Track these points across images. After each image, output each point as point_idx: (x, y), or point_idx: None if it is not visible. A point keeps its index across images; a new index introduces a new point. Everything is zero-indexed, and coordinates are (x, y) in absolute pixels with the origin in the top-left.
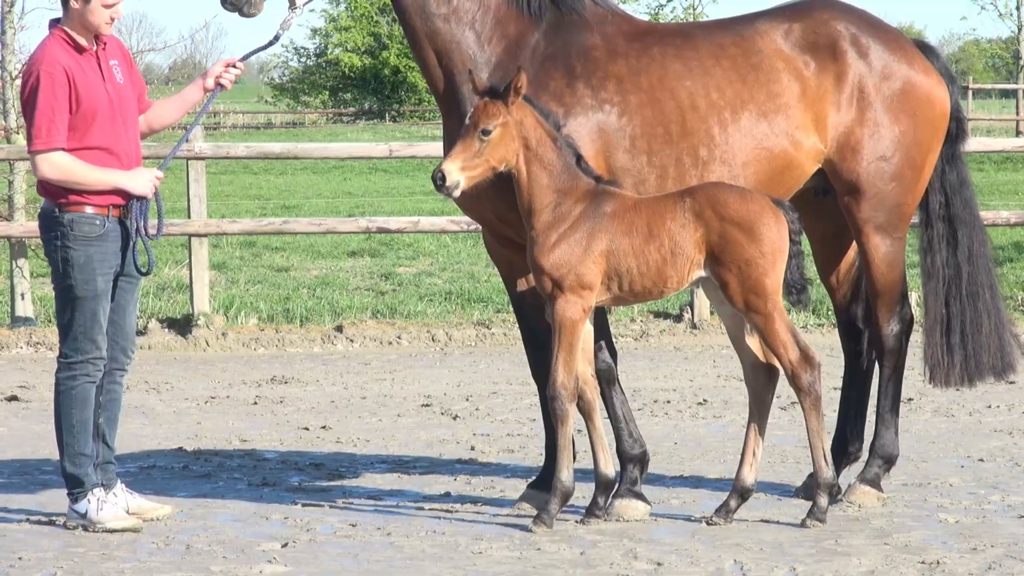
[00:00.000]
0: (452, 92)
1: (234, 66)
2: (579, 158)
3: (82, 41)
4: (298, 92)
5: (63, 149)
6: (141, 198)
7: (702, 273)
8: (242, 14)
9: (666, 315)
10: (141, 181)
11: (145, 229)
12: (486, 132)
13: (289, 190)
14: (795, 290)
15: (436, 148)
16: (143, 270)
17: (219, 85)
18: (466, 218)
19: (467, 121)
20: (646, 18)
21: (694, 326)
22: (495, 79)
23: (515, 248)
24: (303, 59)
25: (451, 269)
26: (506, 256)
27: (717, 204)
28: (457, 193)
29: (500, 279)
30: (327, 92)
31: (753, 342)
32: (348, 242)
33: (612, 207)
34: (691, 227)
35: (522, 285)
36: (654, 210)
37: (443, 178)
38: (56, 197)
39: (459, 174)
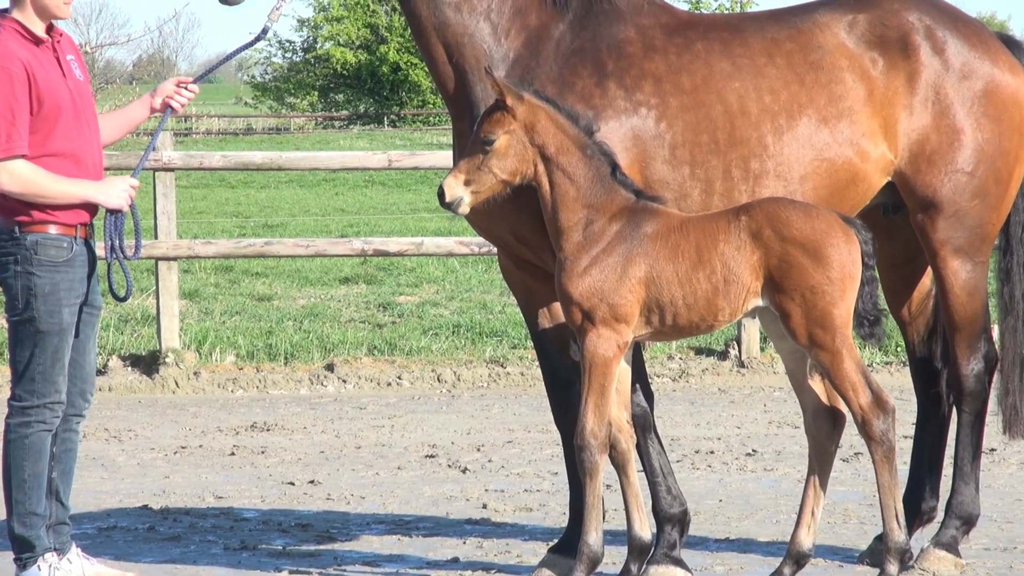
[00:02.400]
0: (463, 93)
1: (187, 88)
2: (615, 168)
3: (38, 31)
4: (283, 93)
5: (24, 157)
6: (115, 212)
7: (759, 303)
8: (224, 2)
9: (709, 351)
10: (115, 192)
11: (122, 248)
12: (487, 142)
13: (272, 206)
14: (867, 322)
15: (443, 158)
16: (120, 296)
17: (168, 107)
18: (478, 239)
19: (474, 130)
20: (688, 8)
21: (742, 364)
22: (513, 77)
23: (535, 273)
24: (288, 54)
25: (460, 298)
26: (525, 282)
27: (778, 223)
28: (463, 210)
29: (517, 309)
30: (316, 93)
31: (816, 383)
32: (340, 267)
33: (654, 227)
34: (747, 250)
35: (544, 317)
36: (704, 230)
37: (442, 193)
38: (15, 214)
39: (462, 189)
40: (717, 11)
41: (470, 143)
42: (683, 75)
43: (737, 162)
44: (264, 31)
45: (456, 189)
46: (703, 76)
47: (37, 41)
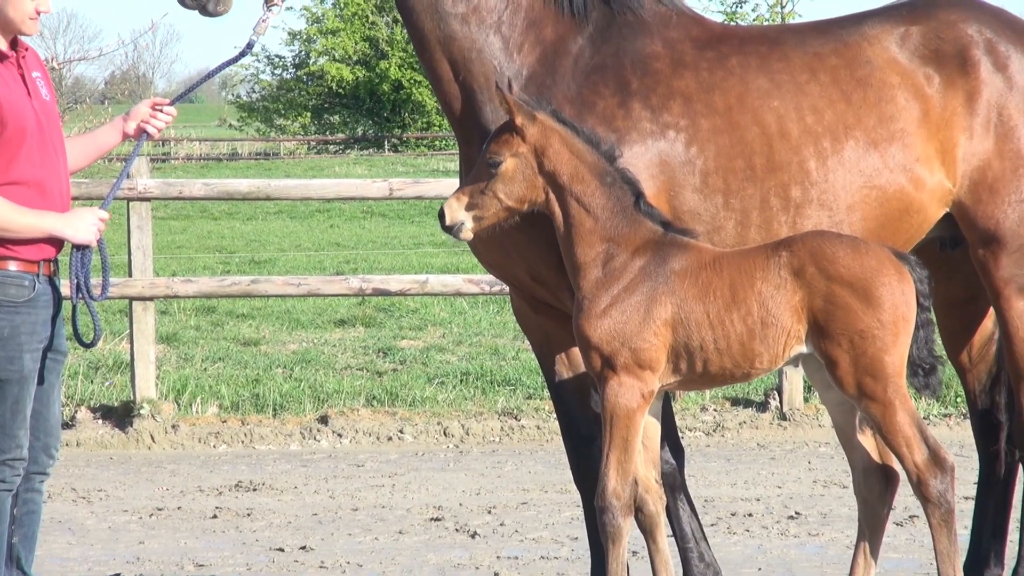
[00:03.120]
0: (472, 114)
1: (164, 110)
2: (639, 197)
3: (0, 46)
4: (271, 114)
5: None
6: (83, 248)
7: (802, 349)
8: (205, 13)
9: (747, 402)
10: (83, 225)
11: (88, 288)
12: (493, 164)
13: (260, 240)
14: (923, 371)
15: (449, 186)
16: (87, 341)
17: (143, 132)
18: (488, 277)
19: (481, 152)
20: (721, 19)
21: (783, 417)
22: (528, 96)
23: (552, 315)
24: (278, 71)
25: (469, 343)
26: (541, 326)
27: (823, 258)
28: (465, 236)
29: (533, 356)
30: (309, 114)
31: (867, 438)
32: (335, 308)
33: (683, 262)
34: (788, 289)
35: (562, 364)
36: (739, 267)
37: (442, 216)
38: None
39: (463, 213)
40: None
41: (477, 165)
42: (716, 94)
43: (776, 190)
44: (250, 45)
45: (457, 212)
46: (738, 94)
47: (1, 56)
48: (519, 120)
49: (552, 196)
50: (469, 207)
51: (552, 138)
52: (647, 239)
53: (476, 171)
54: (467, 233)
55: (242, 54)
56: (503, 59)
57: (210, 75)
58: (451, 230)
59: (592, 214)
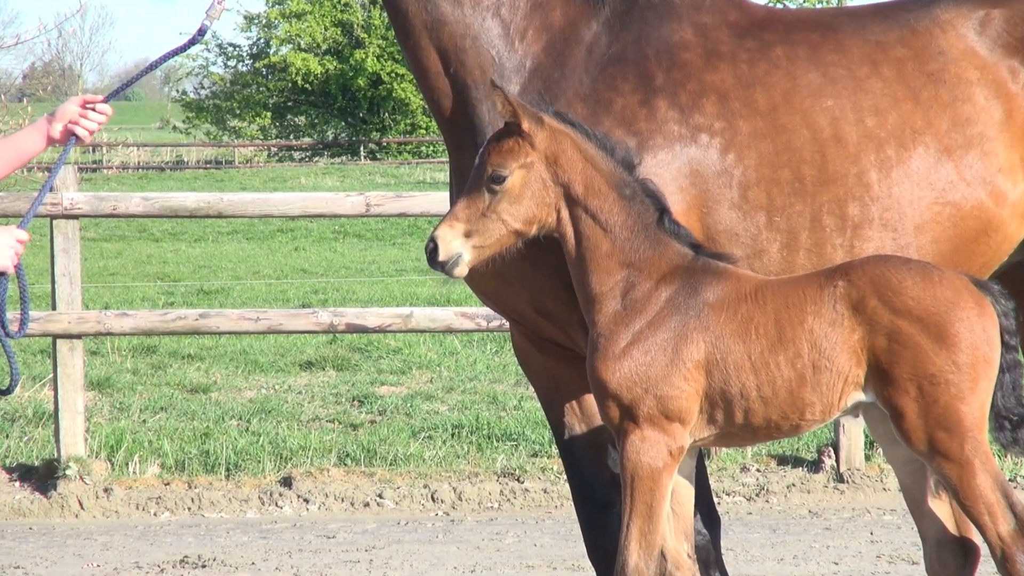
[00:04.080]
0: (465, 114)
1: (96, 109)
2: (663, 214)
3: None
4: (224, 113)
5: None
6: None
7: (862, 398)
8: None
9: (796, 461)
10: None
11: (3, 324)
12: (497, 179)
13: (210, 266)
14: (1009, 423)
15: (438, 201)
16: (2, 388)
17: (72, 135)
18: (484, 310)
19: (477, 162)
20: (764, 1)
21: (840, 479)
22: (531, 93)
23: (561, 356)
24: (232, 62)
25: (462, 389)
26: (548, 369)
27: (887, 289)
28: (460, 272)
29: (538, 404)
30: (269, 114)
31: (941, 505)
32: (301, 346)
33: (718, 292)
34: (845, 326)
35: (573, 414)
36: (786, 299)
37: (435, 250)
38: None
39: (460, 243)
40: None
41: (471, 180)
42: (757, 90)
43: (830, 207)
44: (201, 32)
45: (453, 243)
46: (784, 92)
47: None
48: (526, 124)
49: (564, 214)
50: (467, 235)
51: (564, 143)
52: (675, 264)
53: (472, 188)
54: (463, 269)
55: (191, 42)
56: (502, 48)
57: (152, 67)
58: (444, 266)
59: (610, 234)
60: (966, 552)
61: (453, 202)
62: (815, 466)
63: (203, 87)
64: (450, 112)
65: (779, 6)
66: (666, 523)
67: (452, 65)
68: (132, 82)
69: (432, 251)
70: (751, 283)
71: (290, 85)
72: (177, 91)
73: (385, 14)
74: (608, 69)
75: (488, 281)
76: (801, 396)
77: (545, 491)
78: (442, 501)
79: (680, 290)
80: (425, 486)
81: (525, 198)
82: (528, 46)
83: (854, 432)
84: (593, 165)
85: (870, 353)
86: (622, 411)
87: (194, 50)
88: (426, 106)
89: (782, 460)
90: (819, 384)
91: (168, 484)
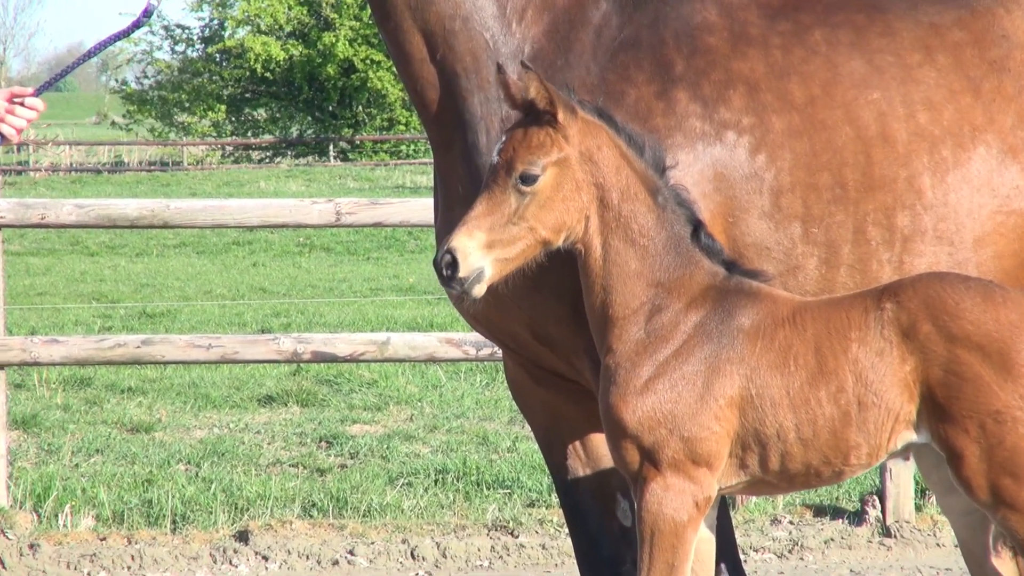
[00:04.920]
0: (453, 107)
1: (23, 103)
2: (697, 227)
3: None
4: (171, 107)
5: None
6: None
7: (914, 438)
8: None
9: (836, 511)
10: None
11: None
12: (528, 178)
13: (154, 284)
14: None
15: (420, 209)
16: None
17: None
18: (473, 335)
19: (495, 159)
20: None
21: (886, 532)
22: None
23: (563, 389)
24: (180, 47)
25: (447, 428)
26: (547, 404)
27: (942, 312)
28: (480, 291)
29: (535, 446)
30: (223, 107)
31: (1004, 563)
32: (261, 378)
33: (753, 317)
34: (895, 355)
35: (576, 458)
36: (827, 324)
37: (452, 264)
38: None
39: (482, 256)
40: None
41: (491, 180)
42: (792, 81)
43: (876, 217)
44: (147, 12)
45: (474, 255)
46: (823, 83)
47: None
48: (561, 113)
49: (593, 222)
50: (490, 245)
51: (601, 138)
52: (706, 285)
53: (493, 189)
54: (483, 287)
55: (136, 24)
56: (498, 30)
57: (90, 55)
58: (464, 284)
59: (640, 249)
60: None
61: (445, 207)
62: (857, 518)
63: (146, 76)
64: (436, 105)
65: None
66: None
67: (439, 50)
68: (66, 72)
69: (450, 265)
70: (788, 305)
71: (248, 74)
72: (116, 81)
73: None
74: (620, 56)
75: (480, 303)
76: (845, 437)
77: (543, 547)
78: (423, 559)
79: (712, 314)
80: (404, 541)
81: (556, 201)
82: (527, 28)
83: (903, 478)
84: (629, 165)
85: (924, 386)
86: (642, 454)
87: (136, 33)
88: (407, 98)
89: (819, 511)
90: (865, 423)
91: (104, 539)
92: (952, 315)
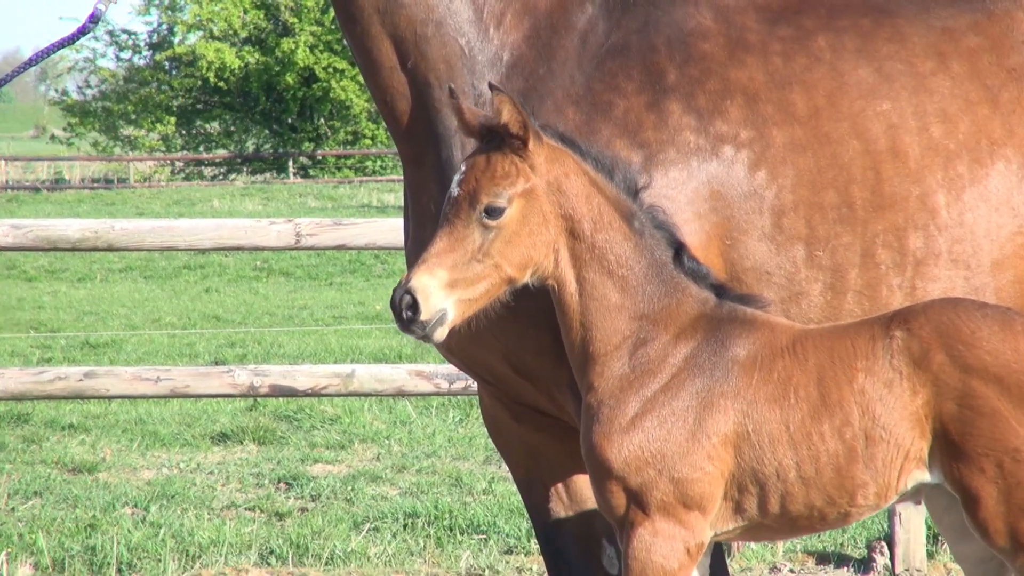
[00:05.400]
0: (425, 119)
1: None
2: (679, 250)
3: None
4: (116, 119)
5: None
6: None
7: (925, 478)
8: None
9: (841, 559)
10: None
11: None
12: (493, 212)
13: (97, 312)
14: None
15: (389, 230)
16: None
17: None
18: (447, 368)
19: (453, 191)
20: None
21: None
22: (512, 92)
23: (543, 426)
24: (126, 54)
25: (417, 468)
26: (526, 442)
27: (956, 340)
28: (441, 335)
29: (513, 487)
30: (173, 120)
31: None
32: (215, 414)
33: (749, 346)
34: (905, 387)
35: (558, 500)
36: (831, 353)
37: (413, 306)
38: None
39: (444, 296)
40: None
41: (450, 213)
42: (795, 91)
43: (886, 238)
44: (94, 18)
45: (435, 296)
46: (828, 92)
47: None
48: (533, 142)
49: (563, 256)
50: (452, 285)
51: (567, 164)
52: (695, 313)
53: (453, 223)
54: (445, 331)
55: (81, 31)
56: (474, 36)
57: (30, 64)
58: (424, 328)
59: (619, 280)
60: None
61: (415, 231)
62: (864, 566)
63: (89, 85)
64: (407, 117)
65: None
66: None
67: (410, 58)
68: (3, 82)
69: (410, 307)
70: (787, 333)
71: (200, 83)
72: (56, 91)
73: None
74: (607, 63)
75: (459, 336)
76: (851, 475)
77: None
78: None
79: (702, 345)
80: None
81: (523, 236)
82: (506, 34)
83: (914, 522)
84: (600, 192)
85: (936, 421)
86: (629, 498)
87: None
88: (375, 110)
89: (822, 558)
90: (873, 459)
91: None
92: (967, 344)
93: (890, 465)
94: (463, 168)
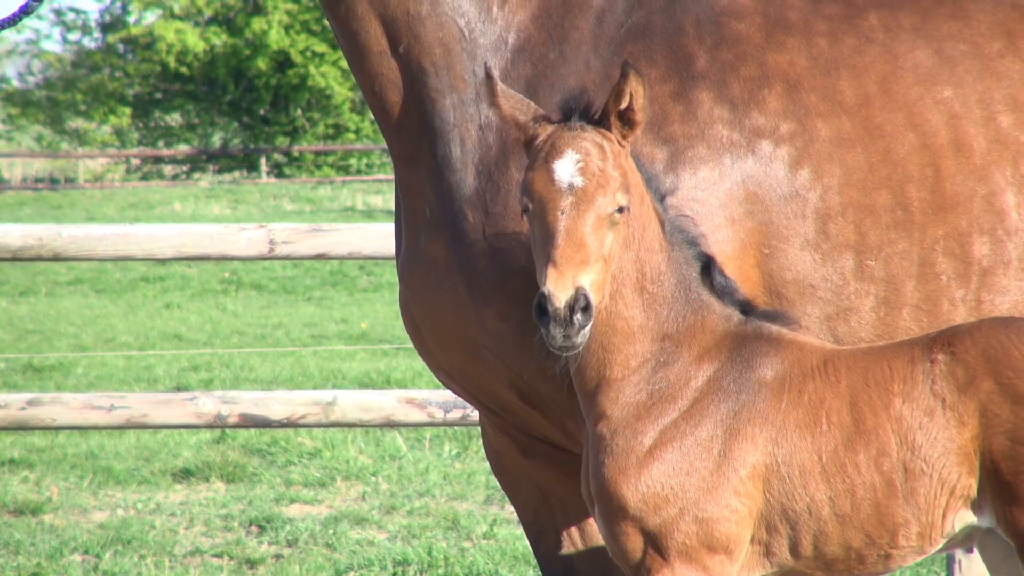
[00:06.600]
0: (419, 110)
1: None
2: (708, 264)
3: None
4: (63, 110)
5: None
6: None
7: (974, 520)
8: None
9: None
10: None
11: None
12: (623, 210)
13: (42, 330)
14: None
15: (375, 237)
16: None
17: None
18: (440, 393)
19: (576, 180)
20: None
21: None
22: (518, 81)
23: (555, 461)
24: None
25: (407, 509)
26: (536, 479)
27: (1006, 366)
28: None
29: (520, 530)
30: (129, 110)
31: None
32: (176, 447)
33: (776, 367)
34: (948, 416)
35: (570, 542)
36: (865, 374)
37: (587, 307)
38: None
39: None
40: None
41: (571, 209)
42: (842, 77)
43: (948, 245)
44: None
45: (596, 297)
46: (881, 78)
47: None
48: (614, 129)
49: (609, 269)
50: (599, 287)
51: (630, 160)
52: (720, 332)
53: (576, 221)
54: (585, 335)
55: (23, 11)
56: (475, 17)
57: None
58: (582, 332)
59: (648, 296)
60: None
61: (402, 240)
62: None
63: (32, 72)
64: (398, 109)
65: None
66: None
67: (402, 41)
68: None
69: (585, 308)
70: (817, 353)
71: (159, 68)
72: None
73: None
74: (627, 46)
75: (453, 353)
76: (890, 511)
77: None
78: None
79: (727, 366)
80: None
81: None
82: (511, 13)
83: (973, 570)
84: (649, 194)
85: (986, 457)
86: (646, 540)
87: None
88: (361, 99)
89: None
90: (914, 494)
91: None
92: (1018, 371)
93: (933, 503)
94: (575, 155)
